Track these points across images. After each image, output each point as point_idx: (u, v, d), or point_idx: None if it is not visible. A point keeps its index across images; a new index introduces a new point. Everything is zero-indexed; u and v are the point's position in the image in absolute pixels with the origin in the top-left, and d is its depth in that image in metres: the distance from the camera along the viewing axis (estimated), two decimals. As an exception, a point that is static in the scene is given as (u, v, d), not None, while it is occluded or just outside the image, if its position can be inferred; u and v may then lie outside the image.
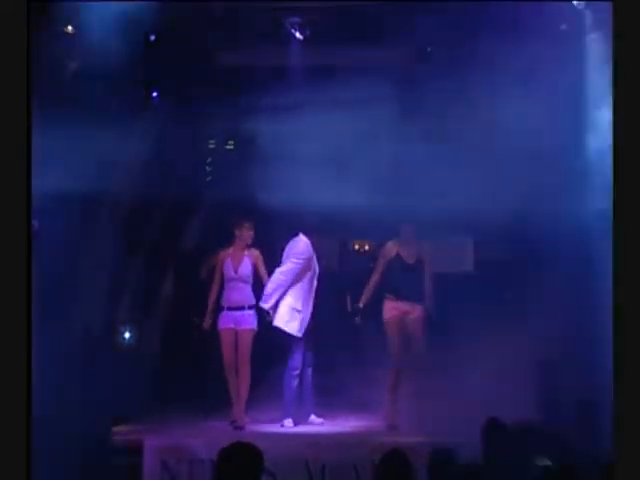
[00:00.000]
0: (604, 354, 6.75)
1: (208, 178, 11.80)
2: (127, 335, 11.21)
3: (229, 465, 4.40)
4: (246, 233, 9.18)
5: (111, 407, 8.84)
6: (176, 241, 11.78)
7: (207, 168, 11.81)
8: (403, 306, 9.19)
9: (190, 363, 10.89)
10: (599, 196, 8.18)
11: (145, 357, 11.32)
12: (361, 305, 9.28)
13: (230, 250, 9.18)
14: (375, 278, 9.35)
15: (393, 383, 9.10)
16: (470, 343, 9.09)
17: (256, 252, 9.20)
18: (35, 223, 8.33)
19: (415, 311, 9.18)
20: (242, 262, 9.09)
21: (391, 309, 9.21)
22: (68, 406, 8.91)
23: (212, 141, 11.82)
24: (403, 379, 9.12)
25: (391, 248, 9.40)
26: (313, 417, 9.32)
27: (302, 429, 9.04)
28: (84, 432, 8.43)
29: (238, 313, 9.06)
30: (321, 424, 9.24)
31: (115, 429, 8.76)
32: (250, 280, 9.15)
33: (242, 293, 9.10)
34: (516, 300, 9.64)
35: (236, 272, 9.07)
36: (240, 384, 9.05)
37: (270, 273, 9.24)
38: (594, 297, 8.43)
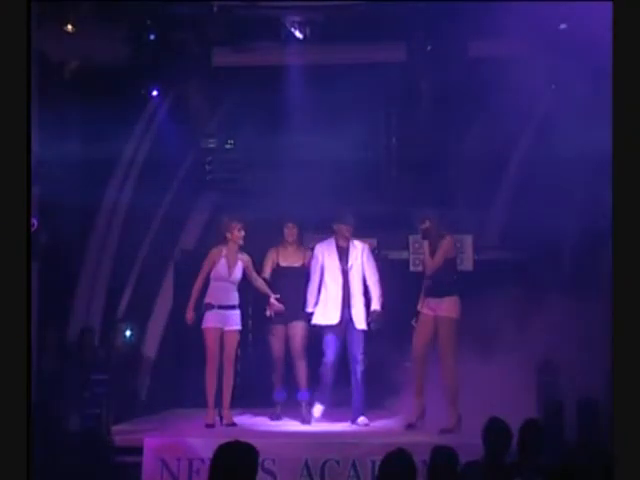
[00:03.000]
0: (604, 354, 6.76)
1: (208, 177, 11.79)
2: (127, 334, 11.23)
3: (224, 463, 4.39)
4: (237, 234, 9.15)
5: (111, 407, 8.82)
6: (175, 241, 11.80)
7: (207, 167, 11.80)
8: (431, 302, 8.83)
9: (191, 362, 10.91)
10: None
11: (145, 356, 11.34)
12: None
13: (224, 251, 9.16)
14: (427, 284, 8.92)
15: (417, 381, 8.82)
16: (470, 342, 9.09)
17: (247, 257, 9.20)
18: (34, 222, 8.33)
19: (442, 307, 8.78)
20: (236, 265, 9.12)
21: (424, 304, 8.88)
22: (68, 406, 8.93)
23: (211, 140, 11.81)
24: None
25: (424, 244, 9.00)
26: (362, 419, 9.06)
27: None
28: (84, 431, 8.43)
29: (227, 312, 9.08)
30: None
31: (115, 429, 8.75)
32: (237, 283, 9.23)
33: (231, 294, 9.14)
34: (517, 300, 9.64)
35: (230, 275, 9.09)
36: (225, 383, 9.08)
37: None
38: (595, 297, 8.44)
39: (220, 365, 9.05)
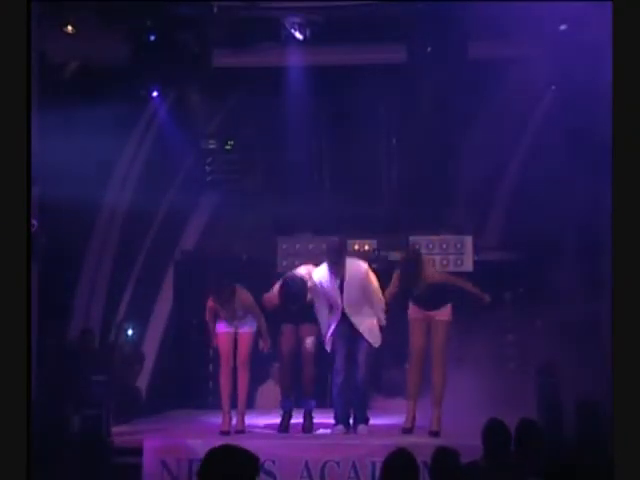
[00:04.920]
0: (604, 354, 6.76)
1: (208, 178, 11.79)
2: (127, 335, 11.24)
3: (216, 468, 4.24)
4: None
5: (111, 408, 8.82)
6: (175, 242, 11.80)
7: (207, 168, 11.81)
8: (427, 311, 8.56)
9: (191, 363, 10.92)
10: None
11: (145, 357, 11.35)
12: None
13: None
14: (392, 290, 8.69)
15: (413, 385, 8.60)
16: (470, 342, 9.09)
17: None
18: (34, 223, 8.33)
19: (440, 313, 8.52)
20: None
21: (414, 311, 8.64)
22: (68, 406, 8.93)
23: (212, 141, 11.81)
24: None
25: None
26: (361, 427, 8.66)
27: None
28: (84, 432, 8.42)
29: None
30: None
31: (115, 429, 8.74)
32: None
33: None
34: (517, 299, 9.64)
35: None
36: (240, 387, 8.87)
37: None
38: (595, 297, 8.45)
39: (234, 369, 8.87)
